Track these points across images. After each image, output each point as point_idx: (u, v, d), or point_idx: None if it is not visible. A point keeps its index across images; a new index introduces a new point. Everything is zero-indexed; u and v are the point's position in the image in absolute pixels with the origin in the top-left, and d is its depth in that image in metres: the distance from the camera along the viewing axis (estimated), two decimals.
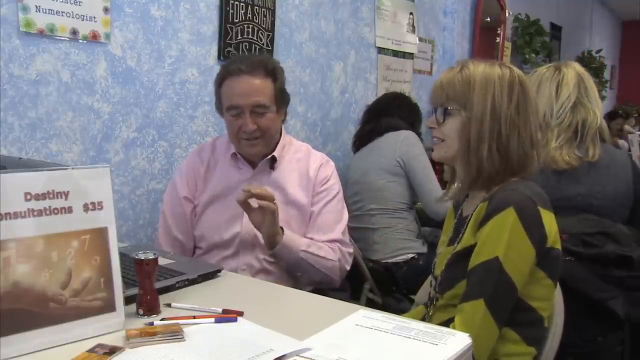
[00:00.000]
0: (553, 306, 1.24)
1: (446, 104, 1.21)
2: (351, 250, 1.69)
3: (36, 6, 1.66)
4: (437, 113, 1.24)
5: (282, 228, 1.52)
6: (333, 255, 1.61)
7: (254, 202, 1.44)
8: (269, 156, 1.65)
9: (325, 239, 1.63)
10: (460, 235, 1.21)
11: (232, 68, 1.59)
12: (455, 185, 1.33)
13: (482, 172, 1.18)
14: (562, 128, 1.64)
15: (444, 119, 1.22)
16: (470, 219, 1.19)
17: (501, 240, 1.09)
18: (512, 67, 1.22)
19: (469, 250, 1.15)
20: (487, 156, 1.16)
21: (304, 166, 1.69)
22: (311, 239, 1.62)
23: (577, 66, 1.73)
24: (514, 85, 1.18)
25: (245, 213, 1.61)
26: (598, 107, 1.68)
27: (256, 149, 1.62)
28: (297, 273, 1.57)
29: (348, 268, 1.68)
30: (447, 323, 1.11)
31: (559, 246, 1.18)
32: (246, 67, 1.58)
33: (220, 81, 1.62)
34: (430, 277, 1.37)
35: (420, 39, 3.66)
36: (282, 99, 1.65)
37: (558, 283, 1.23)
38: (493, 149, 1.16)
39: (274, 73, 1.62)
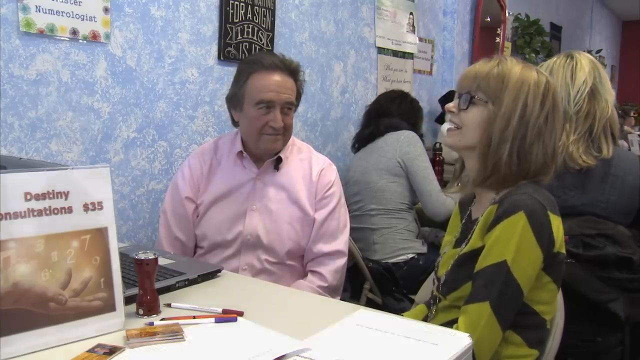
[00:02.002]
0: (555, 308, 1.23)
1: (474, 92, 1.19)
2: (345, 260, 1.69)
3: (36, 6, 1.66)
4: (461, 99, 1.21)
5: None
6: (325, 288, 1.62)
7: None
8: (275, 156, 1.66)
9: (328, 250, 1.65)
10: (469, 237, 1.20)
11: (268, 62, 1.58)
12: (460, 179, 1.32)
13: (497, 171, 1.16)
14: (580, 118, 1.60)
15: (468, 107, 1.20)
16: (478, 221, 1.19)
17: (510, 243, 1.08)
18: (548, 76, 1.20)
19: (476, 253, 1.14)
20: (507, 158, 1.15)
21: (307, 167, 1.69)
22: (314, 247, 1.64)
23: (589, 55, 1.70)
24: (547, 94, 1.17)
25: (247, 213, 1.61)
26: (610, 95, 1.64)
27: (277, 144, 1.63)
28: None
29: (342, 281, 1.69)
30: (450, 324, 1.11)
31: (564, 250, 1.17)
32: (280, 64, 1.59)
33: (247, 75, 1.60)
34: (431, 277, 1.37)
35: (420, 39, 3.66)
36: (299, 100, 1.67)
37: None
38: (514, 151, 1.15)
39: (297, 74, 1.64)
